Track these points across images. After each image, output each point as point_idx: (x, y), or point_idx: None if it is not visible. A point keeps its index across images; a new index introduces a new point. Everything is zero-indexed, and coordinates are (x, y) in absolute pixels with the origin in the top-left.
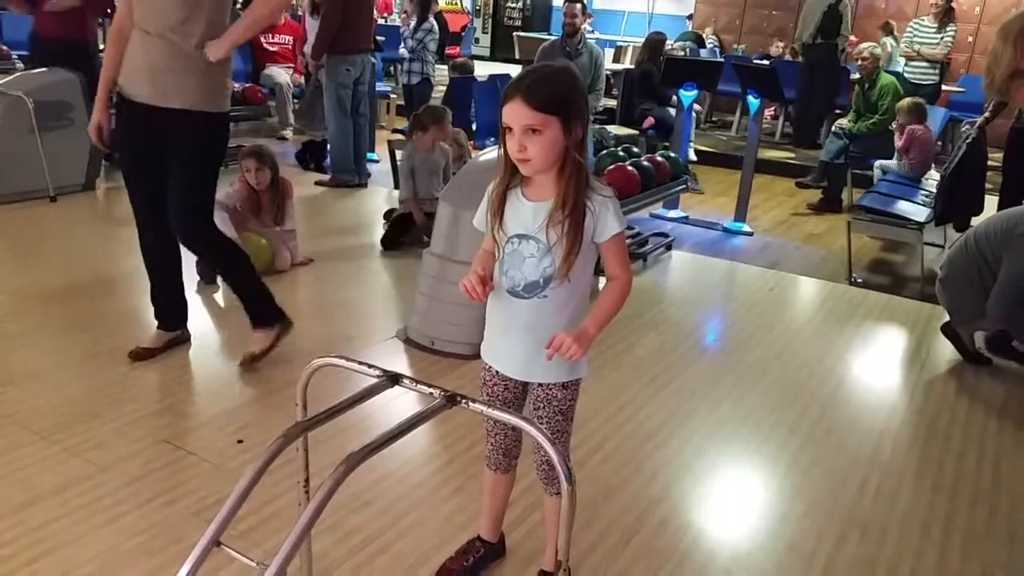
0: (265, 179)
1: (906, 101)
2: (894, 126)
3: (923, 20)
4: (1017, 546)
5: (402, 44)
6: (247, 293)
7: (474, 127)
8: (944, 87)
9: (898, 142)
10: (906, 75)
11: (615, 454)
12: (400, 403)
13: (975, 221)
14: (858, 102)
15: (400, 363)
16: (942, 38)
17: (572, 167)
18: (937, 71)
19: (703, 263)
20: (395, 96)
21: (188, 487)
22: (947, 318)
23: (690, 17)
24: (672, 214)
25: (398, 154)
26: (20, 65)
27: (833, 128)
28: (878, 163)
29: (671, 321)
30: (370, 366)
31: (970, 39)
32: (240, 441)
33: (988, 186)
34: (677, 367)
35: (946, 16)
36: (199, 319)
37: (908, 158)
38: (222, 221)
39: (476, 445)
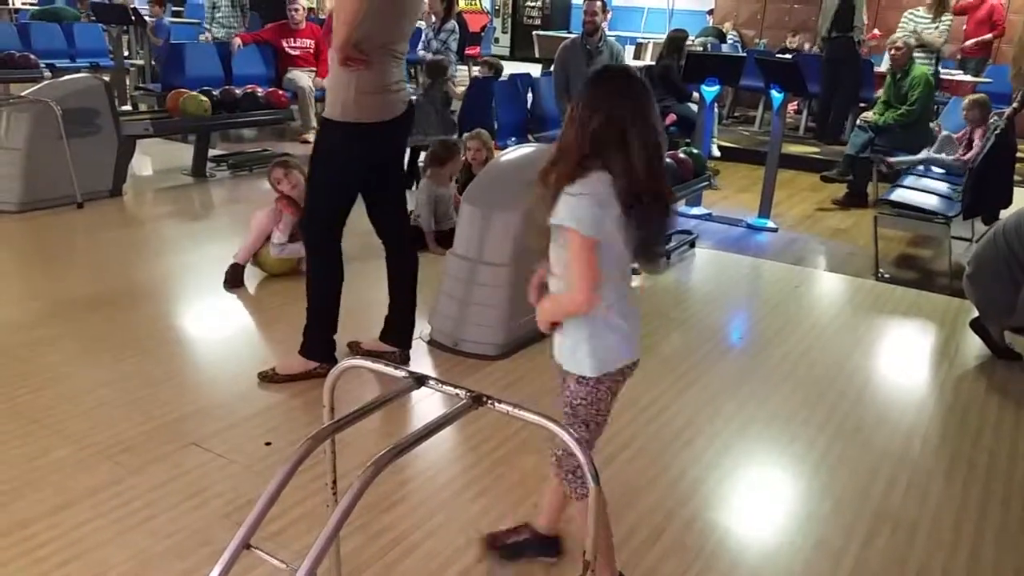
0: (298, 180)
1: (980, 97)
2: (963, 130)
3: (919, 10)
4: None
5: (421, 45)
6: (313, 315)
7: (495, 126)
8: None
9: (975, 140)
10: None
11: (642, 453)
12: (425, 405)
13: (1003, 214)
14: (888, 93)
15: (424, 364)
16: (937, 27)
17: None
18: (933, 60)
19: (727, 260)
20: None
21: (217, 489)
22: (976, 313)
23: (710, 12)
24: (695, 211)
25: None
26: (48, 74)
27: (858, 121)
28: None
29: (695, 319)
30: (396, 367)
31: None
32: (268, 443)
33: (1016, 178)
34: (702, 365)
35: (940, 5)
36: (227, 322)
37: (961, 155)
38: (288, 251)
39: (502, 446)
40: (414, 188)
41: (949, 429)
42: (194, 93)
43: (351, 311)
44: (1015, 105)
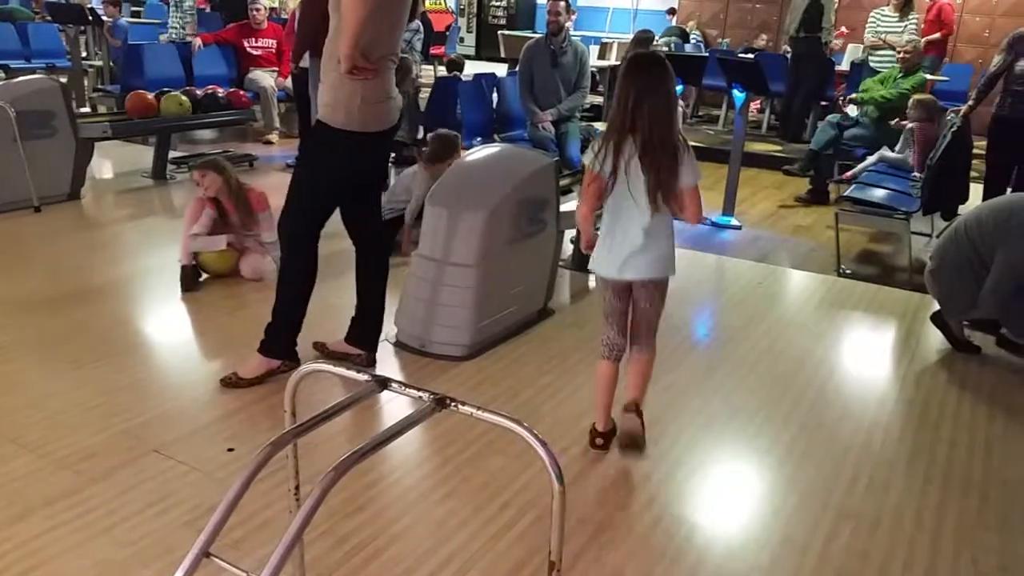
0: (212, 183)
1: (926, 97)
2: (908, 124)
3: (884, 10)
4: (1008, 532)
5: None
6: (279, 312)
7: (460, 126)
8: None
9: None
10: (872, 64)
11: (607, 452)
12: (393, 406)
13: (962, 209)
14: (875, 84)
15: (391, 366)
16: (905, 27)
17: None
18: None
19: (692, 258)
20: None
21: (179, 497)
22: (936, 307)
23: (671, 12)
24: None
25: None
26: (1, 75)
27: (828, 118)
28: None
29: (662, 318)
30: (359, 371)
31: (986, 33)
32: (231, 449)
33: (973, 174)
34: (668, 363)
35: (907, 5)
36: (187, 326)
37: (914, 153)
38: (203, 243)
39: (469, 447)
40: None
41: (910, 422)
42: (174, 93)
43: (318, 312)
44: (970, 103)
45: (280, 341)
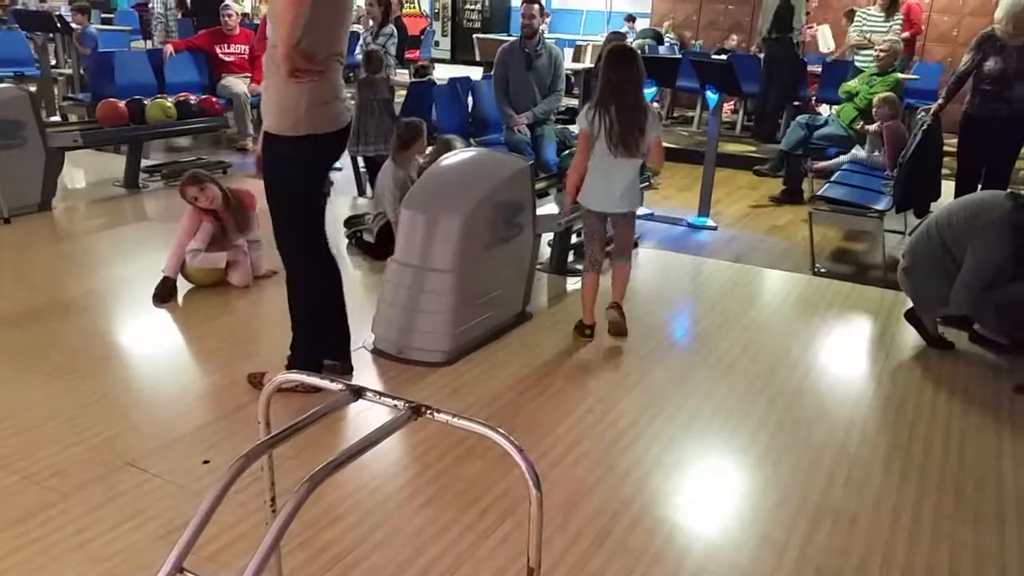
0: (215, 194)
1: (889, 95)
2: (871, 127)
3: (870, 10)
4: (984, 526)
5: (359, 51)
6: (297, 328)
7: (435, 131)
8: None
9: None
10: (857, 63)
11: (587, 456)
12: (372, 414)
13: (934, 206)
14: (861, 86)
15: (369, 373)
16: (891, 27)
17: None
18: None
19: (669, 259)
20: (355, 105)
21: (154, 511)
22: (910, 304)
23: (629, 19)
24: (637, 211)
25: (360, 161)
26: None
27: (797, 118)
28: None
29: (639, 319)
30: (333, 380)
31: (955, 32)
32: (207, 461)
33: (945, 171)
34: (646, 365)
35: (892, 5)
36: (161, 338)
37: (885, 151)
38: (203, 260)
39: (447, 454)
40: (368, 194)
41: (886, 419)
42: (159, 99)
43: (273, 336)
44: (940, 102)
45: (302, 357)
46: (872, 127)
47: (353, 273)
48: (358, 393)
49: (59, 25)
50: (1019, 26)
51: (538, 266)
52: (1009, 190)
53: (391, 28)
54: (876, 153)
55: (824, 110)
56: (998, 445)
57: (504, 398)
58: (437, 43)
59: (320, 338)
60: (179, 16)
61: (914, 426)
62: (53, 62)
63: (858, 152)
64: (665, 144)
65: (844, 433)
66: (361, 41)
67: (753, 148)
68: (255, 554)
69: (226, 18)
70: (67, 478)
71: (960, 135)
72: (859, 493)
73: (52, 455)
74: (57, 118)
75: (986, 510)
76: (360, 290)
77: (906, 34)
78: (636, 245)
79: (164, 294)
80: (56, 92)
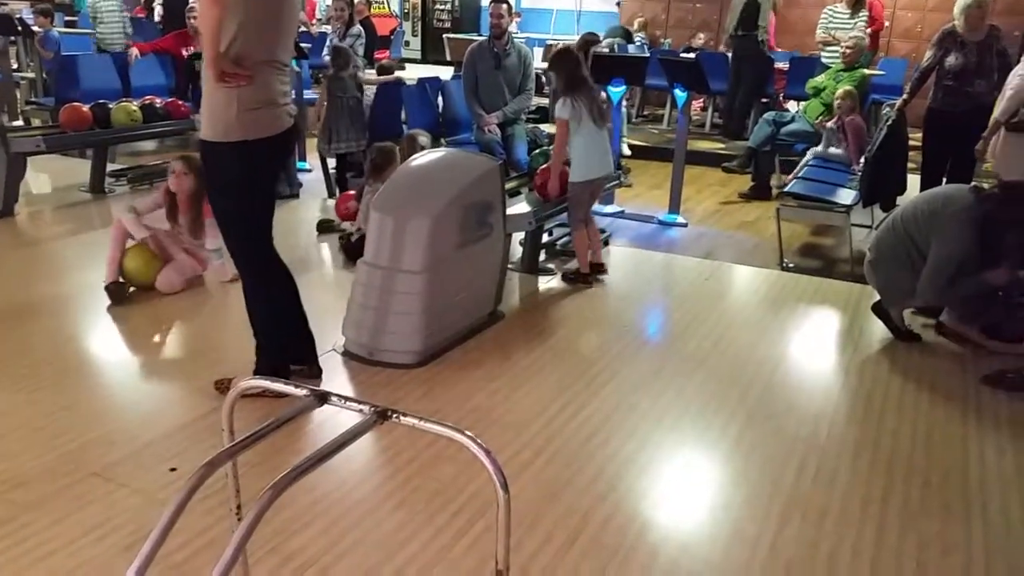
0: (185, 185)
1: (850, 89)
2: (830, 123)
3: (836, 8)
4: (951, 517)
5: (327, 51)
6: (259, 337)
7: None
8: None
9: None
10: (823, 60)
11: (558, 455)
12: (342, 417)
13: (900, 200)
14: (828, 81)
15: (339, 376)
16: (856, 23)
17: None
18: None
19: (640, 256)
20: (326, 104)
21: (119, 521)
22: (877, 298)
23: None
24: (608, 209)
25: (330, 163)
26: None
27: (764, 116)
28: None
29: (610, 316)
30: (297, 385)
31: (919, 28)
32: (173, 469)
33: (911, 166)
34: (617, 362)
35: (858, 3)
36: (129, 344)
37: (848, 146)
38: (129, 222)
39: (418, 457)
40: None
41: (855, 412)
42: (123, 103)
43: (242, 342)
44: (905, 97)
45: (268, 363)
46: (830, 123)
47: (325, 274)
48: (323, 398)
49: (20, 28)
50: (970, 22)
51: (509, 266)
52: (973, 183)
53: (358, 28)
54: (832, 148)
55: (792, 106)
56: (965, 436)
57: (476, 399)
58: (407, 43)
59: (284, 343)
60: (143, 17)
61: (882, 418)
62: (15, 66)
63: (818, 149)
64: (635, 142)
65: (813, 426)
66: (328, 41)
67: (722, 145)
68: (217, 564)
69: (191, 20)
70: (30, 490)
71: (924, 129)
72: (828, 486)
73: (16, 466)
74: (19, 123)
75: (953, 501)
76: (333, 292)
77: (870, 30)
78: (607, 244)
79: (117, 297)
80: (19, 96)
